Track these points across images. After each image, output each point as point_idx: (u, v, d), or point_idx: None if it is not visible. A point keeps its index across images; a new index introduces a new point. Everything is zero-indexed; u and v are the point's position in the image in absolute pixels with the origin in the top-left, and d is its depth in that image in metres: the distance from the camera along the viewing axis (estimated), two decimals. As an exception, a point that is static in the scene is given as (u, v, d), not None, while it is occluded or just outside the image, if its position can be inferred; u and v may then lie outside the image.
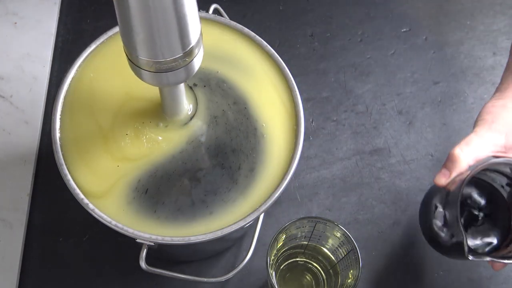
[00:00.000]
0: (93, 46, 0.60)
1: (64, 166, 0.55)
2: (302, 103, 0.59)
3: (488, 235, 0.61)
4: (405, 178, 0.73)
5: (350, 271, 0.59)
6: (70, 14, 0.79)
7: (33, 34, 0.76)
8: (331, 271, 0.63)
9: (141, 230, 0.53)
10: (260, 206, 0.55)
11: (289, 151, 0.57)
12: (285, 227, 0.57)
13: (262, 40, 0.61)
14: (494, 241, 0.61)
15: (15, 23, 0.77)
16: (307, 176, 0.72)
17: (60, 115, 0.57)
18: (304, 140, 0.58)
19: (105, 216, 0.53)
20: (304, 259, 0.65)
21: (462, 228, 0.54)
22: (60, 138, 0.56)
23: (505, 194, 0.62)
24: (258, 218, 0.56)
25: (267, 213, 0.67)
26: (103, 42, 0.60)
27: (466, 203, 0.62)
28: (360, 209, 0.71)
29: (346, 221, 0.70)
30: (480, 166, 0.56)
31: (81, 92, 0.58)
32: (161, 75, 0.48)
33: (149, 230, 0.54)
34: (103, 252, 0.68)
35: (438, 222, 0.59)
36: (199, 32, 0.47)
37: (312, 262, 0.64)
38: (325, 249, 0.62)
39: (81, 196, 0.54)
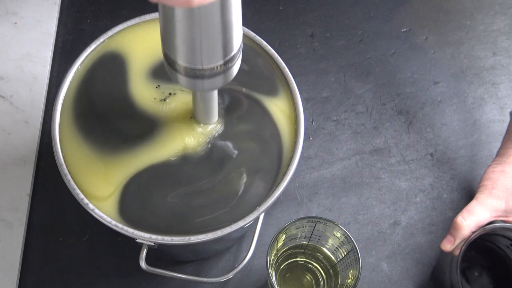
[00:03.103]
0: (93, 46, 0.60)
1: (64, 166, 0.54)
2: (302, 103, 0.59)
3: None
4: (405, 178, 0.73)
5: (350, 271, 0.59)
6: (70, 14, 0.79)
7: (33, 34, 0.76)
8: (331, 271, 0.63)
9: (141, 230, 0.53)
10: (260, 206, 0.55)
11: (289, 151, 0.57)
12: (285, 227, 0.57)
13: (262, 40, 0.61)
14: None
15: (15, 23, 0.77)
16: (307, 176, 0.72)
17: (60, 115, 0.57)
18: (304, 140, 0.58)
19: (105, 216, 0.53)
20: (304, 259, 0.65)
21: None
22: (60, 139, 0.56)
23: (510, 254, 0.64)
24: (258, 218, 0.56)
25: (267, 213, 0.66)
26: (103, 41, 0.60)
27: (472, 264, 0.65)
28: (360, 209, 0.71)
29: (346, 221, 0.70)
30: (476, 233, 0.59)
31: (81, 93, 0.58)
32: (196, 81, 0.46)
33: (149, 231, 0.54)
34: (103, 252, 0.68)
35: (446, 286, 0.63)
36: (241, 39, 0.46)
37: (312, 262, 0.64)
38: (325, 249, 0.62)
39: (81, 196, 0.53)
